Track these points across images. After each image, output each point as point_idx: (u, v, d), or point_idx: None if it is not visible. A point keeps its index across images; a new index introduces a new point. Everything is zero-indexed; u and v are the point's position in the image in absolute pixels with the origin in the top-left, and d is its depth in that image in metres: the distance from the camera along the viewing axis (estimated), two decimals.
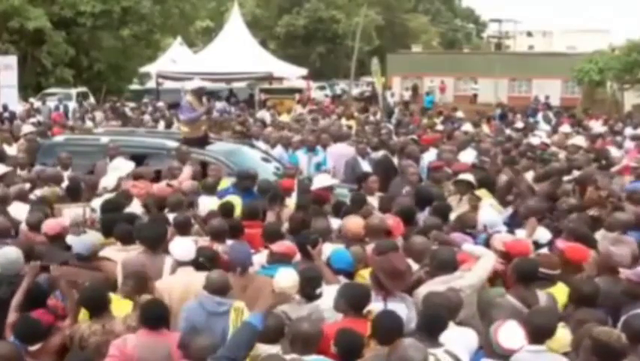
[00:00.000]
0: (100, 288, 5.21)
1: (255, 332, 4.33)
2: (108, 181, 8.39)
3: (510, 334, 4.22)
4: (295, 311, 4.91)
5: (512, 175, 9.31)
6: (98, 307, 4.99)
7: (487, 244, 6.23)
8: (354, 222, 6.50)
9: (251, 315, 4.55)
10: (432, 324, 4.39)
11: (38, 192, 8.25)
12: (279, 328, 4.58)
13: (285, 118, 20.11)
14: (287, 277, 4.95)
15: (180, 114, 11.60)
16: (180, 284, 5.43)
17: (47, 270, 5.38)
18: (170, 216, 6.95)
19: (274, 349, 4.43)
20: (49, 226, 6.54)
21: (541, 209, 7.44)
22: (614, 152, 12.40)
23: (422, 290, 5.15)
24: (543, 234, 6.75)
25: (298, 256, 5.90)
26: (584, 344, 4.13)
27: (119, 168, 8.95)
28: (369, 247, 5.95)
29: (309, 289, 5.09)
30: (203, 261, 5.65)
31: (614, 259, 5.66)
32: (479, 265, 5.53)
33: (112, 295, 5.19)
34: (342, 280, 5.59)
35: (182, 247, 5.77)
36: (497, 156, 11.14)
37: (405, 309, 4.99)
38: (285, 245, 5.92)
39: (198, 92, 10.60)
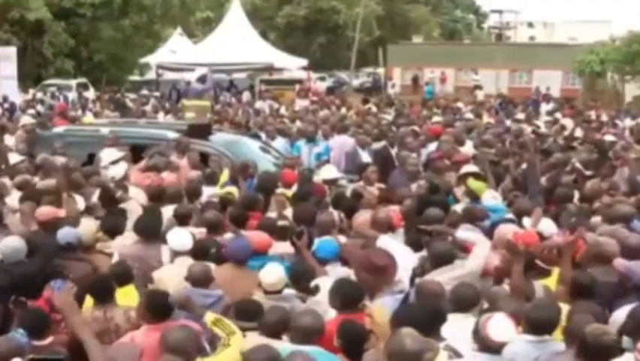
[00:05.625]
0: (106, 276, 5.19)
1: None
2: (116, 172, 8.27)
3: (499, 326, 4.12)
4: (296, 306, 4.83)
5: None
6: (103, 294, 4.95)
7: (487, 232, 6.21)
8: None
9: None
10: (430, 317, 4.26)
11: (41, 183, 8.15)
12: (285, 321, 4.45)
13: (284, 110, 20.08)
14: (270, 274, 4.92)
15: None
16: (176, 274, 5.34)
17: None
18: (170, 208, 6.86)
19: (276, 343, 4.23)
20: (43, 212, 6.41)
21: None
22: None
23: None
24: (547, 225, 6.68)
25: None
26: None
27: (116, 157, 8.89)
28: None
29: (303, 282, 5.09)
30: (214, 253, 5.60)
31: (603, 248, 5.53)
32: (476, 252, 5.48)
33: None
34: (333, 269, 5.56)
35: (180, 237, 5.72)
36: (498, 147, 11.15)
37: (396, 302, 4.79)
38: (256, 237, 5.83)
39: (202, 79, 11.32)
